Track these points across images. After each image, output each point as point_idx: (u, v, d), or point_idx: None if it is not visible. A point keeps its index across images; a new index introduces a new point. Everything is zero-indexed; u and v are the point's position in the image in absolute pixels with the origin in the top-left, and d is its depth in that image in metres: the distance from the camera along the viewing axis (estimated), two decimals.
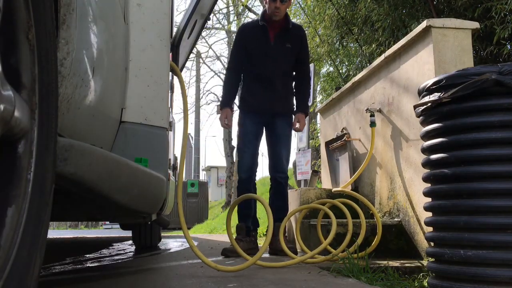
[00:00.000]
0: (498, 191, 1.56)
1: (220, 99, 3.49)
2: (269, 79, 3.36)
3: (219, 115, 3.52)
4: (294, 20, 8.70)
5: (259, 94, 3.37)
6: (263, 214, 9.66)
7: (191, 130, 21.90)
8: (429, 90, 1.76)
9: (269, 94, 3.37)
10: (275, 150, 3.43)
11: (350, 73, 6.39)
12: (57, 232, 13.72)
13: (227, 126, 3.46)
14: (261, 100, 3.37)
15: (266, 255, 3.27)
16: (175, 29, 2.94)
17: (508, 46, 3.99)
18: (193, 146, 22.48)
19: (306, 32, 4.12)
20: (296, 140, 5.39)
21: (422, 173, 1.88)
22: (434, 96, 1.71)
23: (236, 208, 3.26)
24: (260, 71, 3.37)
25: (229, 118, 3.39)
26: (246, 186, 3.38)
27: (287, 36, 3.36)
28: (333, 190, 3.58)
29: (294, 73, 3.52)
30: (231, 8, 16.93)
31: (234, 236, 3.17)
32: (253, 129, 3.41)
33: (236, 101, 3.97)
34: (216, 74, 20.53)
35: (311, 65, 5.59)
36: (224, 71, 3.74)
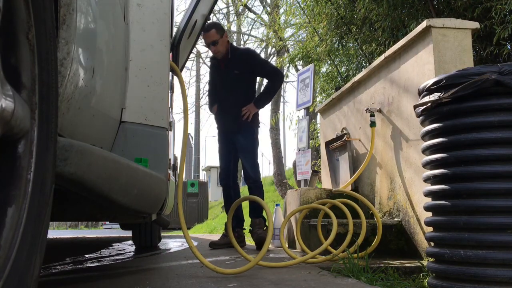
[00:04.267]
0: (498, 191, 1.56)
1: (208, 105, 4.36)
2: (226, 102, 3.94)
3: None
4: (293, 20, 8.71)
5: (222, 116, 4.00)
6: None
7: (191, 130, 21.88)
8: (429, 90, 1.76)
9: (226, 116, 3.96)
10: (242, 162, 4.02)
11: (350, 73, 6.38)
12: (57, 232, 13.71)
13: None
14: (224, 121, 4.00)
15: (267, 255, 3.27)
16: (175, 29, 2.93)
17: (508, 46, 3.99)
18: (193, 146, 22.46)
19: (305, 31, 4.38)
20: (296, 140, 5.39)
21: (422, 173, 1.88)
22: (434, 96, 1.71)
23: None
24: (220, 97, 4.00)
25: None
26: (226, 192, 4.02)
27: (233, 64, 3.85)
28: (333, 190, 3.58)
29: (250, 90, 4.03)
30: (231, 8, 16.91)
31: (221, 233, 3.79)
32: (223, 145, 4.03)
33: None
34: None
35: (311, 65, 5.59)
36: None
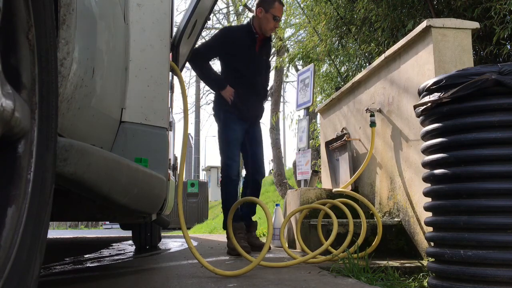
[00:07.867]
0: (498, 191, 1.56)
1: (213, 83, 3.57)
2: (257, 87, 3.51)
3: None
4: (292, 20, 8.71)
5: (250, 102, 3.46)
6: (262, 214, 9.65)
7: (191, 130, 21.91)
8: (429, 90, 1.76)
9: (257, 102, 3.55)
10: (256, 154, 3.58)
11: (350, 73, 6.39)
12: (57, 232, 13.71)
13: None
14: (251, 108, 3.48)
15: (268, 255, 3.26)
16: (175, 29, 2.93)
17: (508, 46, 3.99)
18: (193, 146, 22.47)
19: (305, 31, 4.28)
20: (296, 140, 5.40)
21: (422, 173, 1.88)
22: (434, 96, 1.71)
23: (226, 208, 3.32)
24: (250, 80, 3.47)
25: (232, 94, 3.42)
26: (236, 187, 3.50)
27: (266, 49, 3.62)
28: (333, 190, 3.58)
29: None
30: (231, 8, 16.92)
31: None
32: (240, 135, 3.49)
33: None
34: None
35: (311, 65, 5.59)
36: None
